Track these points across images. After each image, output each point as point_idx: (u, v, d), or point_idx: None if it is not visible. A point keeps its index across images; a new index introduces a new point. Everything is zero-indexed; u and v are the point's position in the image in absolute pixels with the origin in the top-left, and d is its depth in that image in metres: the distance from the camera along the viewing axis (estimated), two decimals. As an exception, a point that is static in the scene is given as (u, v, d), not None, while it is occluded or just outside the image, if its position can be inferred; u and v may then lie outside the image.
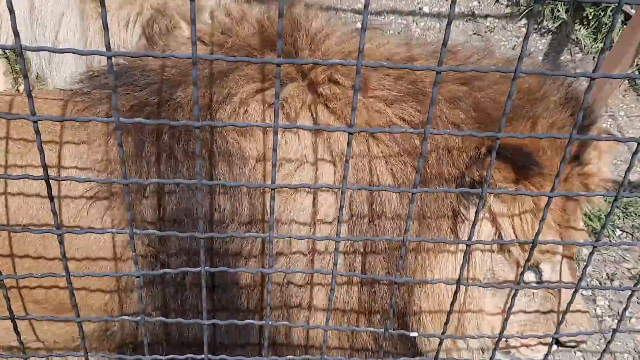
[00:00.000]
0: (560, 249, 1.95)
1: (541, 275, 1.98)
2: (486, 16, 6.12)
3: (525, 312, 2.01)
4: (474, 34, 5.91)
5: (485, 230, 1.90)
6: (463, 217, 1.89)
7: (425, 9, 6.27)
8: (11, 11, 0.89)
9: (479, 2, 6.30)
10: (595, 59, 5.45)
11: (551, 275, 1.98)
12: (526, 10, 5.89)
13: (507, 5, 6.20)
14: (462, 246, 1.87)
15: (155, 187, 1.91)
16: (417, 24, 6.11)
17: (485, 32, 6.00)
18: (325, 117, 1.93)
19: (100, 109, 2.01)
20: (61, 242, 1.19)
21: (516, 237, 1.86)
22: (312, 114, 1.94)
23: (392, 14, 6.19)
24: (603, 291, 4.00)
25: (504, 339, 1.93)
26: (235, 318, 1.50)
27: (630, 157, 1.29)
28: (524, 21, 5.95)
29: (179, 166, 1.89)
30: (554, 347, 1.94)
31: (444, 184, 1.87)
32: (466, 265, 1.49)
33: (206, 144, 1.89)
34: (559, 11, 5.63)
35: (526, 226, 1.85)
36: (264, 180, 1.89)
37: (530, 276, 1.99)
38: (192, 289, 1.99)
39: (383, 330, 1.36)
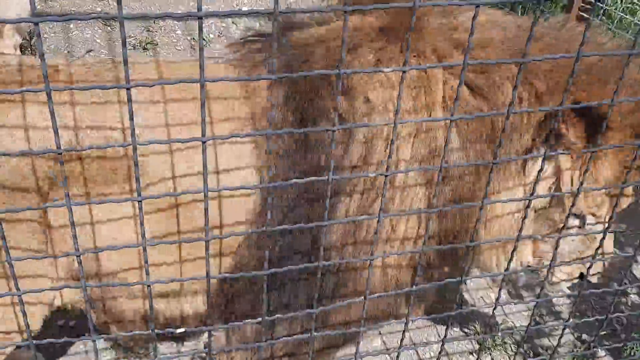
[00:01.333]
0: (604, 206, 2.24)
1: (585, 222, 2.26)
2: None
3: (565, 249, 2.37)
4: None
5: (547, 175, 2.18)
6: (533, 160, 2.15)
7: (245, 8, 6.29)
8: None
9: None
10: None
11: (593, 226, 2.28)
12: None
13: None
14: (527, 180, 2.18)
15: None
16: (236, 25, 6.13)
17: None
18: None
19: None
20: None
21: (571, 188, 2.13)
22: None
23: (211, 17, 6.00)
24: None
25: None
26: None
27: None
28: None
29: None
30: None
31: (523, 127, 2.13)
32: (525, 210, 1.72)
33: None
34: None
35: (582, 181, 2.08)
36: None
37: (575, 221, 2.27)
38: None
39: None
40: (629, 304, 4.06)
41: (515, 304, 3.95)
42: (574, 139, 2.05)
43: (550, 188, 2.18)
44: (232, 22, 6.24)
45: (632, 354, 3.64)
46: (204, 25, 6.01)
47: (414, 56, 2.14)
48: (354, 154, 2.11)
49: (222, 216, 2.15)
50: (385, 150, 2.09)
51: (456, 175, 2.15)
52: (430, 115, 2.11)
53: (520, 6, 5.29)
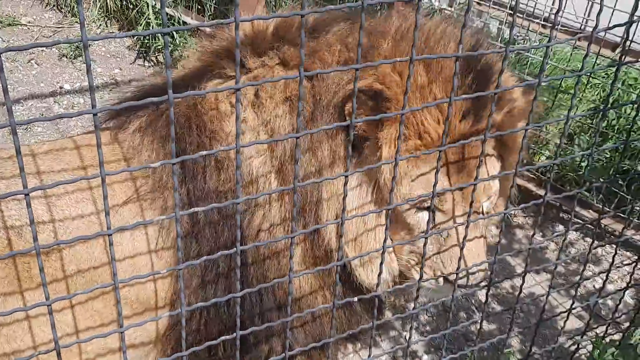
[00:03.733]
0: (452, 198, 2.19)
1: (434, 218, 2.21)
2: (130, 81, 6.33)
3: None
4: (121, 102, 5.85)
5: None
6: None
7: (67, 86, 6.20)
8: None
9: (121, 69, 6.54)
10: None
11: (442, 220, 2.22)
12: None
13: (148, 67, 6.55)
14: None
15: None
16: (59, 103, 5.95)
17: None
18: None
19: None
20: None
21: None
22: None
23: (31, 99, 5.95)
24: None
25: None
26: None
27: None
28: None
29: None
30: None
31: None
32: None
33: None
34: None
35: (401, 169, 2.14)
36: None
37: (424, 215, 2.20)
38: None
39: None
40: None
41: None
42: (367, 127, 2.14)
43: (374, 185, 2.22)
44: (54, 102, 5.95)
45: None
46: (22, 107, 5.66)
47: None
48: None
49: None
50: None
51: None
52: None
53: None
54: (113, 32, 6.82)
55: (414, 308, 1.85)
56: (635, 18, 1.68)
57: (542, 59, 4.87)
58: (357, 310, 2.52)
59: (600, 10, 1.57)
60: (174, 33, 6.31)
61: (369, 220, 2.21)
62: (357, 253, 2.23)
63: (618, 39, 4.60)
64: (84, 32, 1.03)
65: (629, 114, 4.97)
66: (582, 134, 4.95)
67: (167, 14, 6.33)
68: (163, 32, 1.09)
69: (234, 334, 1.54)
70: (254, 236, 2.26)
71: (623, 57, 1.82)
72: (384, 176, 2.14)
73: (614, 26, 1.70)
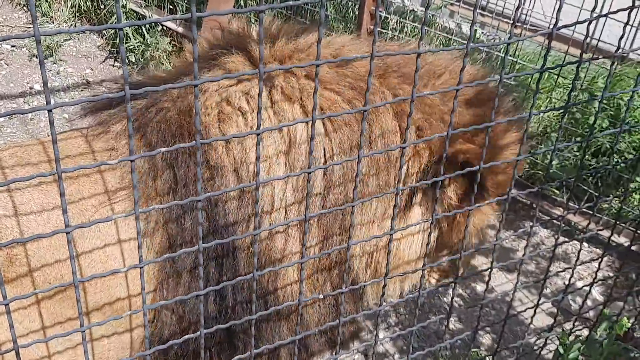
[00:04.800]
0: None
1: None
2: (102, 81, 6.30)
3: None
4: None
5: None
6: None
7: (37, 87, 6.15)
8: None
9: (92, 69, 6.48)
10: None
11: None
12: (138, 68, 6.25)
13: (119, 67, 6.48)
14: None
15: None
16: (29, 104, 5.90)
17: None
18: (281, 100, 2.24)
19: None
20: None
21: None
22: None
23: (1, 100, 5.90)
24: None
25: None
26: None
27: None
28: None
29: None
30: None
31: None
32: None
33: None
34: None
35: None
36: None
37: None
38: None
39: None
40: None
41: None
42: (451, 194, 2.29)
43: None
44: (24, 102, 5.87)
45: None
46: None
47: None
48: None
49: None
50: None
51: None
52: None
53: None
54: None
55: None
56: (595, 15, 1.70)
57: (510, 57, 4.92)
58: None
59: (560, 7, 1.58)
60: (145, 34, 6.27)
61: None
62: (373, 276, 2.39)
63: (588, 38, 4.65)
64: (36, 27, 1.02)
65: (592, 111, 5.03)
66: (553, 133, 5.01)
67: (138, 13, 6.31)
68: (118, 27, 1.08)
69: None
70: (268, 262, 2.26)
71: (583, 53, 1.83)
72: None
73: (574, 23, 1.72)
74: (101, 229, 2.06)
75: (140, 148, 2.17)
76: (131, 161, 1.24)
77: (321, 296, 1.72)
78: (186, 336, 1.51)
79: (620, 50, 1.85)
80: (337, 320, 1.68)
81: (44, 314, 2.01)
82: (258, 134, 1.30)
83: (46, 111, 1.10)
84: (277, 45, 2.31)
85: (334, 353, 1.80)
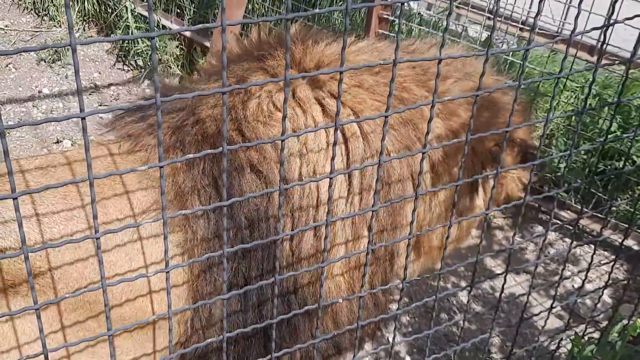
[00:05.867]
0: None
1: None
2: (109, 85, 6.32)
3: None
4: (100, 105, 5.93)
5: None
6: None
7: (45, 90, 6.18)
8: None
9: (100, 73, 6.50)
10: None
11: None
12: (146, 72, 6.32)
13: (127, 71, 6.51)
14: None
15: None
16: (37, 108, 5.92)
17: (111, 100, 6.12)
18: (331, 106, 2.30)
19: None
20: None
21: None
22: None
23: (10, 104, 5.93)
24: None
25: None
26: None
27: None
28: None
29: None
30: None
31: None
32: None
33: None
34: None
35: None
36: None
37: None
38: None
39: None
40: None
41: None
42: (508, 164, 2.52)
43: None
44: (33, 106, 5.90)
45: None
46: (1, 112, 5.63)
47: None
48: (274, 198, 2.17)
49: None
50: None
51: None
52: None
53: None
54: (92, 36, 6.78)
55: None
56: (611, 21, 1.72)
57: (520, 61, 4.93)
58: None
59: (578, 13, 1.60)
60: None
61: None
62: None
63: (594, 42, 4.67)
64: (72, 36, 1.04)
65: (607, 115, 5.05)
66: (560, 136, 5.02)
67: (146, 18, 6.33)
68: (150, 36, 1.10)
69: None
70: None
71: (600, 59, 1.85)
72: None
73: (592, 29, 1.73)
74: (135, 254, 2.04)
75: (180, 166, 2.13)
76: (160, 167, 1.26)
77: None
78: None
79: (636, 55, 1.86)
80: (375, 316, 1.69)
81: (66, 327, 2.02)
82: (282, 140, 1.32)
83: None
84: (324, 51, 2.38)
85: (358, 350, 1.81)
